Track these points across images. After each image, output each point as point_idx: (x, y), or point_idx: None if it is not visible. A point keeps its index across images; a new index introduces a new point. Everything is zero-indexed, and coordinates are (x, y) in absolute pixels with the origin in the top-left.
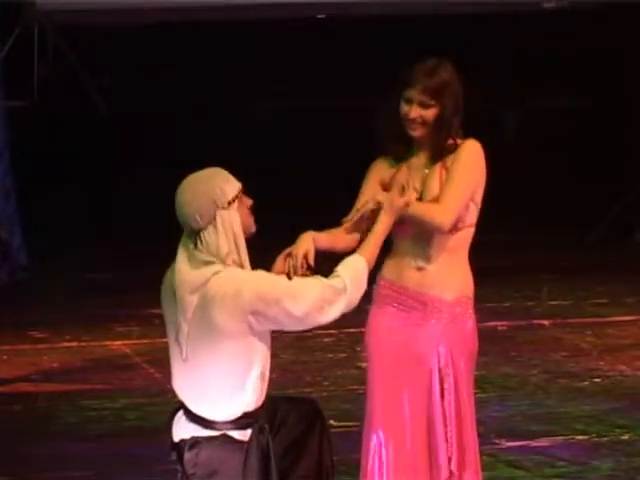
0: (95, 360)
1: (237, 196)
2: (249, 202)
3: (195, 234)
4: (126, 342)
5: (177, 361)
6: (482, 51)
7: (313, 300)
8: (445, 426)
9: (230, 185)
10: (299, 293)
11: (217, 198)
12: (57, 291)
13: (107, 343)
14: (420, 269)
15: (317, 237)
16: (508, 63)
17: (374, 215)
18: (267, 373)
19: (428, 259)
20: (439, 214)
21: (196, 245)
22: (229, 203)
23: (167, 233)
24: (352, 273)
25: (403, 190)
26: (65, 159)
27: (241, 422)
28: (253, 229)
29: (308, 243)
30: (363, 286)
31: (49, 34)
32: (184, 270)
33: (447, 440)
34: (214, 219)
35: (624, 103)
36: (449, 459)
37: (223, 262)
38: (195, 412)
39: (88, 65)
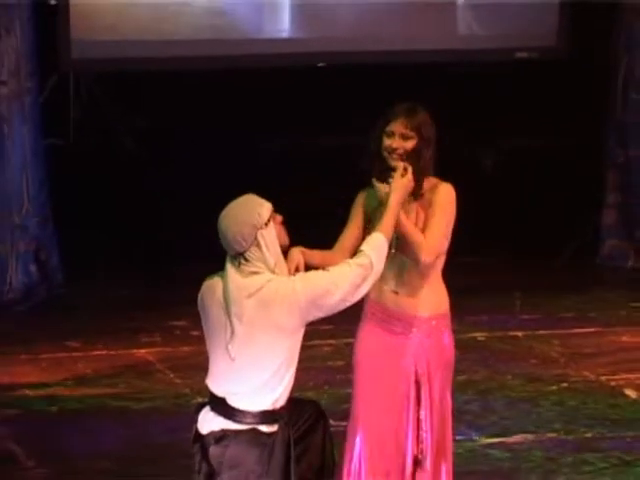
0: (122, 367)
1: (271, 215)
2: (280, 218)
3: (240, 255)
4: (150, 350)
5: (223, 360)
6: (462, 95)
7: (350, 283)
8: (418, 429)
9: (264, 208)
10: (339, 280)
11: (256, 222)
12: (90, 306)
13: (133, 351)
14: (395, 292)
15: (305, 252)
16: (484, 106)
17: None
18: None
19: (402, 284)
20: (424, 251)
21: (242, 263)
22: (266, 224)
23: (186, 257)
24: (375, 249)
25: (405, 170)
26: (99, 190)
27: (271, 416)
28: (287, 242)
29: (298, 256)
30: (384, 258)
31: (83, 81)
32: (237, 279)
33: (419, 442)
34: (256, 239)
35: (599, 142)
36: (415, 458)
37: (272, 272)
38: (231, 404)
39: (120, 109)
